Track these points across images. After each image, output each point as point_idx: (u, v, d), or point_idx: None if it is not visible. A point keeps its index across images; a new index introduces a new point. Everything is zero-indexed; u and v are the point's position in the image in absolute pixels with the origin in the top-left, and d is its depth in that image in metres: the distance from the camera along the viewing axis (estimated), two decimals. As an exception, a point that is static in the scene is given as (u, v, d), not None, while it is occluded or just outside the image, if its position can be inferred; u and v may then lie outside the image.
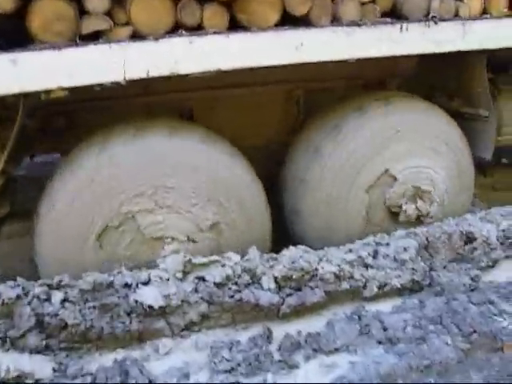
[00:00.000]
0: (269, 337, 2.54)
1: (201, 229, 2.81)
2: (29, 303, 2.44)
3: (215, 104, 3.32)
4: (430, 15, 2.82)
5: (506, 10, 3.03)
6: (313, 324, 2.65)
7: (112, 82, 2.42)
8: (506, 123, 3.48)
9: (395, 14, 2.87)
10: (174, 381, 2.36)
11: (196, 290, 2.56)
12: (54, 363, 2.39)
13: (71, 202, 2.67)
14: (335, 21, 2.72)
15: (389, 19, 2.80)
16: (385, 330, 2.57)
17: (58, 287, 2.51)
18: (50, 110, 3.05)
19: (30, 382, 2.31)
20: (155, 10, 2.46)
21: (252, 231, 2.93)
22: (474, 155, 3.35)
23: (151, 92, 3.01)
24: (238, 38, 2.54)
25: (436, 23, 2.81)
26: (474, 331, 2.52)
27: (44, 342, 2.41)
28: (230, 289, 2.58)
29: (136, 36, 2.46)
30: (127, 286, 2.54)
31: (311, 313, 2.70)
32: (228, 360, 2.41)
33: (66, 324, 2.42)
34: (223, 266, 2.62)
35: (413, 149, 3.08)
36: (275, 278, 2.64)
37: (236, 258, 2.66)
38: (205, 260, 2.61)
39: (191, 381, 2.36)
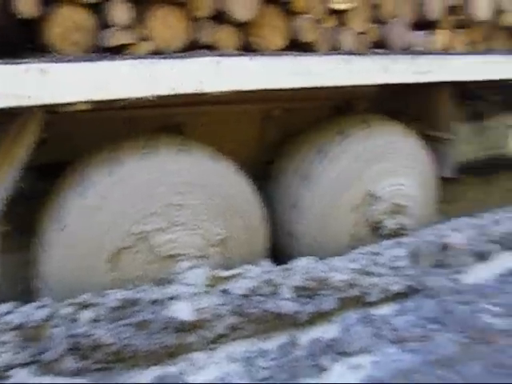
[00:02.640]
0: (295, 344, 2.77)
1: (212, 244, 2.97)
2: (58, 324, 2.42)
3: (200, 120, 3.45)
4: (414, 48, 3.28)
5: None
6: (328, 329, 2.92)
7: (139, 97, 2.48)
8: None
9: (382, 46, 3.26)
10: (216, 393, 2.49)
11: (223, 303, 2.71)
12: (91, 385, 2.39)
13: (83, 222, 2.68)
14: (334, 49, 3.04)
15: (381, 50, 3.18)
16: (394, 331, 2.93)
17: (86, 306, 2.51)
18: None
19: (71, 406, 2.30)
20: (173, 27, 2.58)
21: (253, 245, 3.14)
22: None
23: (135, 106, 2.99)
24: (260, 61, 2.72)
25: (420, 56, 3.25)
26: (468, 327, 2.97)
27: (79, 364, 2.41)
28: (254, 300, 2.77)
29: (154, 52, 2.55)
30: (155, 302, 2.62)
31: (324, 319, 2.97)
32: (265, 368, 2.60)
33: (100, 344, 2.44)
34: (246, 278, 2.80)
35: (391, 169, 3.52)
36: (293, 288, 2.88)
37: (256, 270, 2.86)
38: (229, 273, 2.78)
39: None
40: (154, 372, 2.51)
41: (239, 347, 2.71)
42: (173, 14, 2.56)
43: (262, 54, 2.76)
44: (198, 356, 2.64)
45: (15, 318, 2.37)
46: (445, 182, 4.06)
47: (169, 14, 2.55)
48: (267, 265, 2.93)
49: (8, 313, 2.40)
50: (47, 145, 2.96)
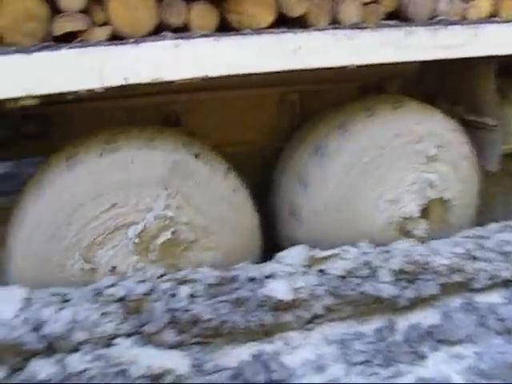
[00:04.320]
0: (392, 328, 2.76)
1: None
2: (158, 299, 2.55)
3: (203, 107, 3.29)
4: (438, 18, 2.87)
5: None
6: (429, 315, 2.88)
7: (87, 89, 2.34)
8: None
9: (399, 16, 2.86)
10: (311, 373, 2.54)
11: (321, 283, 2.74)
12: (190, 359, 2.51)
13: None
14: (335, 23, 2.70)
15: (393, 22, 2.79)
16: (501, 320, 2.84)
17: (184, 282, 2.63)
18: (20, 114, 2.97)
19: (171, 378, 2.43)
20: (136, 9, 2.38)
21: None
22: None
23: (133, 94, 2.82)
24: (228, 42, 2.47)
25: (445, 27, 2.82)
26: None
27: (178, 338, 2.53)
28: (351, 282, 2.78)
29: (116, 38, 2.39)
30: (252, 279, 2.69)
31: (425, 304, 2.93)
32: (362, 352, 2.62)
33: (198, 319, 2.55)
34: (343, 259, 2.81)
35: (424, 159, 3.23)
36: (392, 271, 2.85)
37: (354, 251, 2.86)
38: (327, 253, 2.80)
39: (328, 373, 2.55)
40: (251, 349, 2.60)
41: (335, 329, 2.75)
42: None
43: (235, 34, 2.50)
44: (294, 335, 2.70)
45: (118, 291, 2.53)
46: None
47: None
48: (365, 246, 2.91)
49: (111, 285, 2.56)
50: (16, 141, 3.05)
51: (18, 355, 2.39)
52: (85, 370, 2.40)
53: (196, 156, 2.79)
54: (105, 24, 2.37)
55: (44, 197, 2.65)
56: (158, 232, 2.74)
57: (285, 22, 2.62)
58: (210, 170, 2.82)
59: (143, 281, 2.58)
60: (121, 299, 2.52)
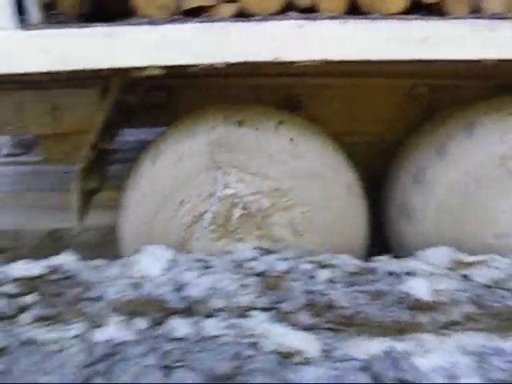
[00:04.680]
0: (538, 350, 2.59)
1: None
2: (297, 278, 2.57)
3: (326, 93, 3.25)
4: None
5: None
6: None
7: (209, 64, 2.38)
8: None
9: None
10: (442, 381, 2.45)
11: (463, 289, 2.63)
12: (321, 343, 2.52)
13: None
14: (474, 12, 2.50)
15: None
16: None
17: (324, 266, 2.63)
18: (150, 84, 3.08)
19: (299, 359, 2.45)
20: None
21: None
22: None
23: (256, 73, 2.89)
24: (355, 26, 2.37)
25: None
26: None
27: (312, 320, 2.54)
28: (497, 293, 2.63)
29: (243, 15, 2.40)
30: (391, 274, 2.63)
31: None
32: (501, 369, 2.48)
33: (334, 305, 2.54)
34: (490, 267, 2.67)
35: None
36: (543, 289, 2.67)
37: (503, 261, 2.71)
38: (473, 259, 2.68)
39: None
40: (382, 344, 2.55)
41: (473, 339, 2.62)
42: None
43: (363, 18, 2.39)
44: (428, 338, 2.61)
45: (258, 265, 2.59)
46: None
47: None
48: (516, 257, 2.75)
49: (253, 259, 2.62)
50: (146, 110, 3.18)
51: (160, 311, 2.53)
52: (218, 336, 2.48)
53: (240, 123, 2.76)
54: (233, 1, 2.42)
55: (125, 214, 2.92)
56: (229, 212, 2.81)
57: (419, 8, 2.52)
58: (257, 131, 2.76)
59: (285, 259, 2.61)
60: (260, 274, 2.57)
